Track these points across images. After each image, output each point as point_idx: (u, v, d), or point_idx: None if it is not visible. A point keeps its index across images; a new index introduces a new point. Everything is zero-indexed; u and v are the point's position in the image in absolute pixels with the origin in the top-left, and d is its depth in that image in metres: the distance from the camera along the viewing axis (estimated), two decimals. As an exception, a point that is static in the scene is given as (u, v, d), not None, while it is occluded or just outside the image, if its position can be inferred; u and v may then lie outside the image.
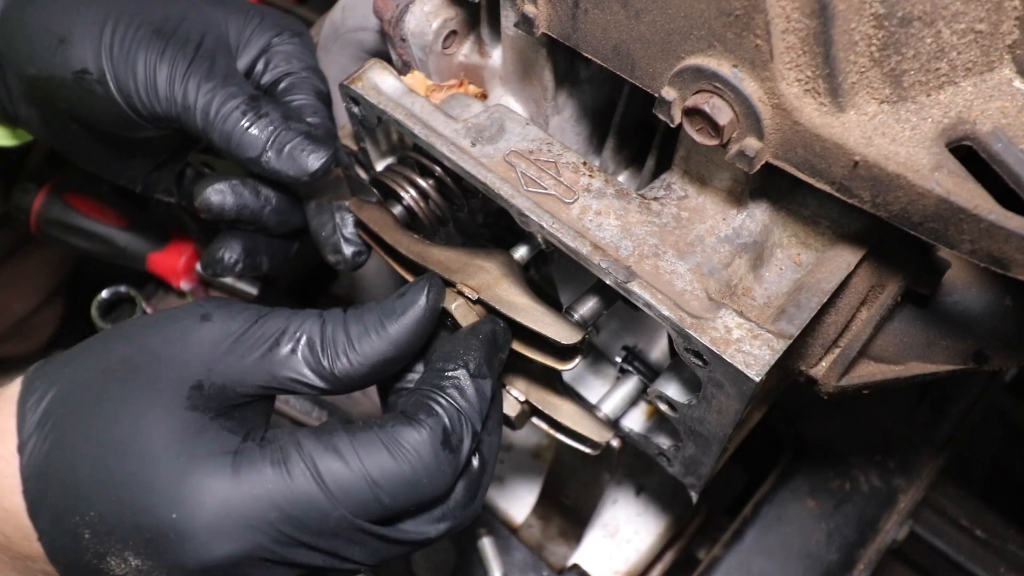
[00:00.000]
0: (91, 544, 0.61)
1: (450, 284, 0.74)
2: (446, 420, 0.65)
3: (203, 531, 0.59)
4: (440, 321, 0.74)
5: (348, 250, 0.89)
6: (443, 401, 0.65)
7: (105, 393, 0.63)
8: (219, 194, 0.86)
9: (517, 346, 0.74)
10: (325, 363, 0.67)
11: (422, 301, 0.69)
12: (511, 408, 0.81)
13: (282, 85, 0.89)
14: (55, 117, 0.91)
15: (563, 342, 0.70)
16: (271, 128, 0.82)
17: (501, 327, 0.72)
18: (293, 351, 0.67)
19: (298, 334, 0.67)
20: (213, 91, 0.82)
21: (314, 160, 0.82)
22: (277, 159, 0.82)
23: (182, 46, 0.83)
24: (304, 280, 1.63)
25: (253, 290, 1.38)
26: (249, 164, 0.83)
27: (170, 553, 0.59)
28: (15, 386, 0.66)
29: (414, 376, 0.76)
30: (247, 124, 0.81)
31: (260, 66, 0.90)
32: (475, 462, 0.69)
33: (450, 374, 0.67)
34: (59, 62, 0.83)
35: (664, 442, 0.83)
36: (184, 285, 1.36)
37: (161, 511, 0.59)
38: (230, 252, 0.90)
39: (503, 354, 0.72)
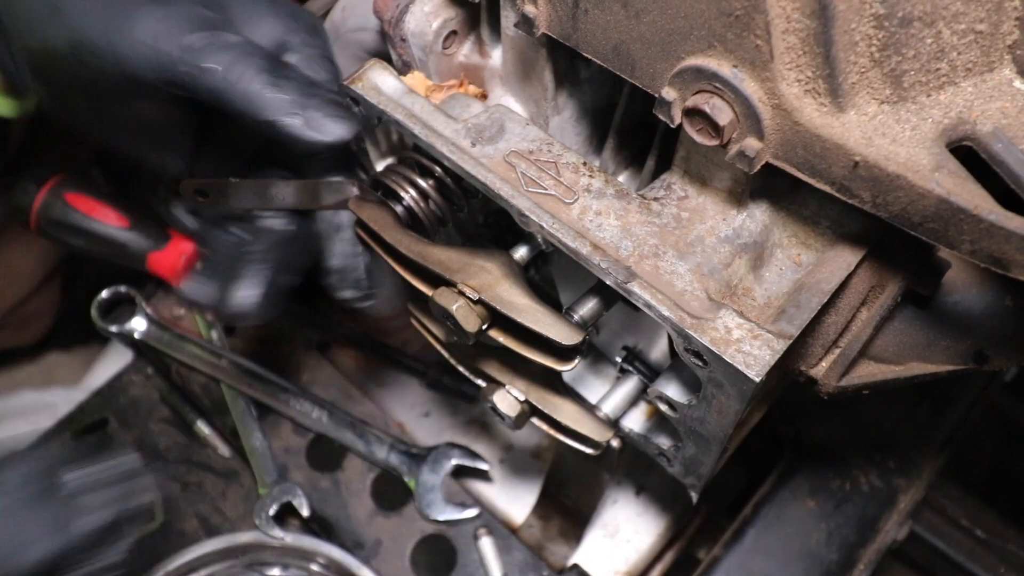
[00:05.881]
0: None
1: (451, 284, 0.74)
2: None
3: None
4: (440, 319, 0.74)
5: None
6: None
7: None
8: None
9: (517, 346, 0.74)
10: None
11: None
12: (511, 408, 0.81)
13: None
14: (63, 92, 0.87)
15: (563, 343, 0.70)
16: (295, 91, 0.78)
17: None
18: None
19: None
20: (231, 49, 0.77)
21: (341, 126, 0.78)
22: (301, 123, 0.77)
23: (184, 6, 0.79)
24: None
25: None
26: (267, 128, 0.78)
27: None
28: None
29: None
30: (268, 85, 0.77)
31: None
32: None
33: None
34: (54, 33, 0.80)
35: (664, 442, 0.83)
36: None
37: None
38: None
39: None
